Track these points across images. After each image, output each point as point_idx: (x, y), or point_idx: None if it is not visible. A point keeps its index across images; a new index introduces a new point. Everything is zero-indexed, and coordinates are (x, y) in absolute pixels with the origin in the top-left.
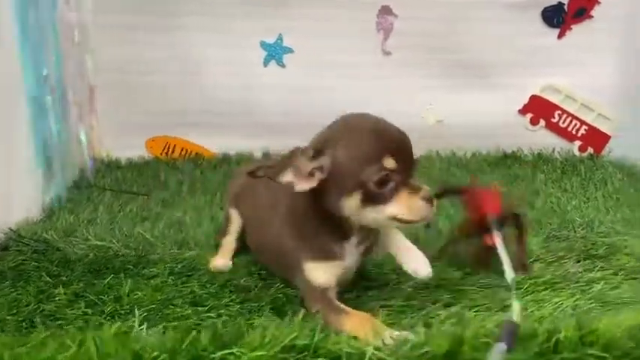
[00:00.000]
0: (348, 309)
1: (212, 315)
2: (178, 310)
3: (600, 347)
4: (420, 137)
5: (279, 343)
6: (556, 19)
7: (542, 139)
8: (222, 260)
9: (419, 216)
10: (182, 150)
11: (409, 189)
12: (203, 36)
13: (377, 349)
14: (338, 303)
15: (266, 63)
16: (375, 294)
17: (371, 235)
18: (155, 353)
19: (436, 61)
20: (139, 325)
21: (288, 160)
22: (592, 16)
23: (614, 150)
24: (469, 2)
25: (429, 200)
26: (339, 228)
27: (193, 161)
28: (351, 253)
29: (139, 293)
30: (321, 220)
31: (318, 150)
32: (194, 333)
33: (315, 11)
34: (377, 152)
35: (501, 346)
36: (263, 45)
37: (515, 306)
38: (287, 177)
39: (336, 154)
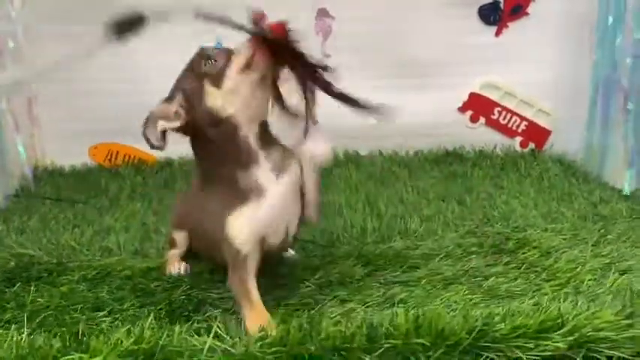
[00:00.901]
0: (255, 297)
1: (106, 320)
2: (75, 315)
3: (431, 336)
4: (363, 137)
5: (121, 346)
6: (492, 16)
7: (483, 136)
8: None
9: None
10: (125, 156)
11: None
12: (142, 42)
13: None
14: (251, 285)
15: None
16: (280, 293)
17: (286, 163)
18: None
19: (375, 61)
20: (33, 332)
21: (151, 116)
22: (528, 13)
23: (555, 145)
24: (406, 2)
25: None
26: (241, 156)
27: (136, 167)
28: (272, 184)
29: (42, 300)
30: (223, 165)
31: (170, 95)
32: (44, 338)
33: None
34: (199, 57)
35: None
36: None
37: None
38: (160, 126)
39: (180, 85)
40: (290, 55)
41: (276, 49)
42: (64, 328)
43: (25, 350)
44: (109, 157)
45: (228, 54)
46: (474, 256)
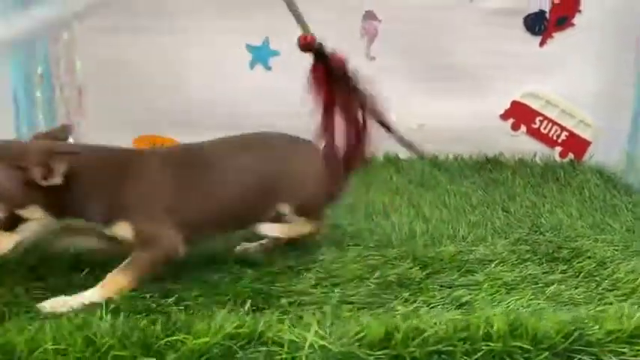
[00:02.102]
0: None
1: (174, 307)
2: (147, 302)
3: (528, 340)
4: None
5: (223, 330)
6: (538, 26)
7: (523, 145)
8: None
9: None
10: None
11: None
12: (191, 38)
13: (321, 336)
14: None
15: (252, 66)
16: (341, 292)
17: None
18: (106, 339)
19: (420, 65)
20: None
21: None
22: (574, 24)
23: (594, 156)
24: (453, 7)
25: None
26: None
27: None
28: None
29: None
30: None
31: None
32: (145, 321)
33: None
34: None
35: None
36: (249, 48)
37: None
38: None
39: None
40: (346, 84)
41: (335, 75)
42: (138, 315)
43: (126, 331)
44: None
45: None
46: (528, 263)
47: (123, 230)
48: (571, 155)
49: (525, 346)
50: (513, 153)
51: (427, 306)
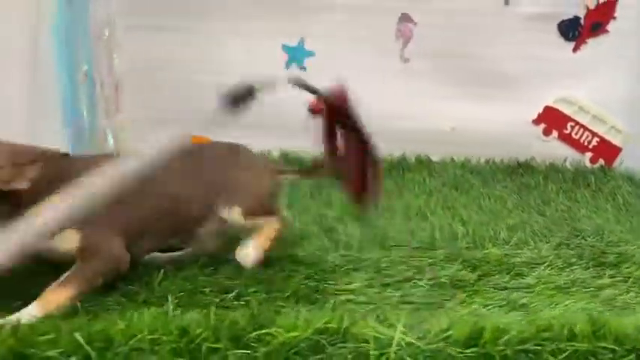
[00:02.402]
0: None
1: (235, 303)
2: (207, 297)
3: (612, 341)
4: (436, 143)
5: (312, 325)
6: (572, 32)
7: (554, 150)
8: None
9: None
10: None
11: None
12: (226, 37)
13: (405, 333)
14: None
15: (287, 65)
16: (395, 292)
17: None
18: (199, 330)
19: (453, 68)
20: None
21: None
22: (608, 31)
23: (624, 162)
24: (488, 12)
25: None
26: None
27: None
28: None
29: (166, 283)
30: None
31: None
32: (233, 314)
33: (337, 16)
34: None
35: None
36: (285, 48)
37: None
38: None
39: None
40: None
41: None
42: (205, 310)
43: (217, 324)
44: None
45: None
46: (575, 267)
47: (68, 240)
48: (601, 161)
49: (610, 346)
50: (544, 158)
51: (484, 307)
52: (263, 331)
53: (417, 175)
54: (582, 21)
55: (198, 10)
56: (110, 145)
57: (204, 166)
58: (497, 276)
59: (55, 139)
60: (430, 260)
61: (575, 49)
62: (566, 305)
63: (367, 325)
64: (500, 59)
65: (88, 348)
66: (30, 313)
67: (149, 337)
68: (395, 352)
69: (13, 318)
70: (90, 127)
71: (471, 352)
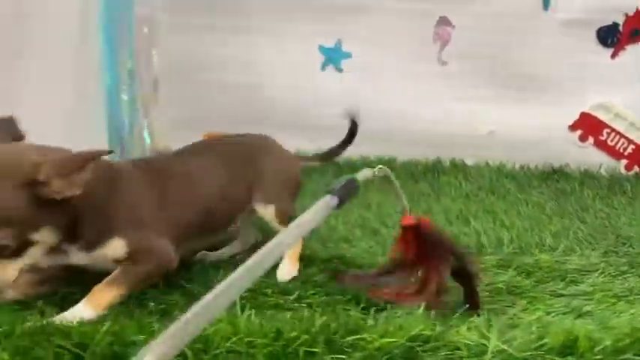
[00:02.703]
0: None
1: (295, 304)
2: (268, 298)
3: None
4: (471, 146)
5: (408, 332)
6: (610, 39)
7: (589, 156)
8: None
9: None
10: None
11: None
12: (265, 38)
13: (499, 341)
14: None
15: (324, 67)
16: (453, 297)
17: None
18: (294, 333)
19: (490, 72)
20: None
21: None
22: None
23: None
24: (526, 16)
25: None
26: None
27: None
28: None
29: None
30: None
31: None
32: (323, 318)
33: (375, 18)
34: None
35: (333, 199)
36: (321, 49)
37: (367, 172)
38: None
39: None
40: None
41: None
42: (267, 311)
43: (310, 328)
44: None
45: None
46: (628, 275)
47: (115, 249)
48: (636, 168)
49: None
50: (579, 164)
51: (547, 315)
52: (357, 336)
53: (452, 178)
54: (621, 27)
55: (235, 9)
56: (146, 143)
57: (242, 161)
58: (551, 283)
59: (96, 136)
60: (481, 265)
61: (613, 56)
62: (632, 314)
63: (459, 332)
64: (537, 64)
65: (185, 349)
66: (82, 313)
67: (246, 339)
68: None
69: (67, 315)
70: (131, 125)
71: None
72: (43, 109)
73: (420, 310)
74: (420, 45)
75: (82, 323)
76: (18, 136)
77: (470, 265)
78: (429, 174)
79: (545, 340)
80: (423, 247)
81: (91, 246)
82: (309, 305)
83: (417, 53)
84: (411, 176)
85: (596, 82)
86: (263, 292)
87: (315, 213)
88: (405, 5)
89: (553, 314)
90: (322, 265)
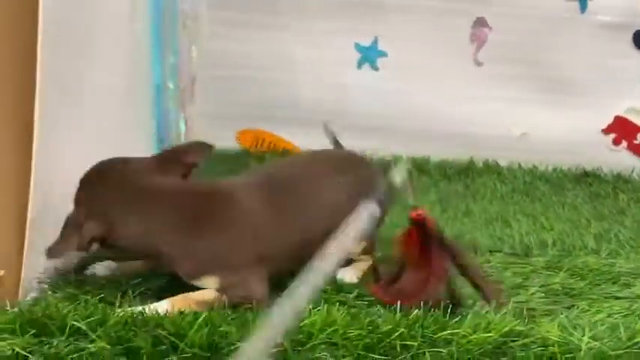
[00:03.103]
0: None
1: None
2: None
3: None
4: (504, 148)
5: (501, 328)
6: None
7: (621, 160)
8: None
9: None
10: (270, 144)
11: None
12: (300, 35)
13: (592, 338)
14: None
15: (360, 65)
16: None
17: None
18: (388, 326)
19: (525, 75)
20: None
21: None
22: None
23: None
24: (562, 19)
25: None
26: None
27: (281, 156)
28: None
29: None
30: None
31: None
32: (417, 312)
33: (412, 17)
34: None
35: (372, 207)
36: (358, 47)
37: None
38: None
39: None
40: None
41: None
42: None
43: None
44: (255, 143)
45: None
46: None
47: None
48: None
49: None
50: (611, 167)
51: (609, 317)
52: (450, 331)
53: (486, 179)
54: None
55: (272, 7)
56: (182, 138)
57: (335, 182)
58: (603, 285)
59: (144, 130)
60: (531, 267)
61: None
62: None
63: (550, 328)
64: (572, 66)
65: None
66: (163, 308)
67: (342, 330)
68: (582, 358)
69: (147, 309)
70: (175, 121)
71: None
72: (99, 105)
73: (505, 310)
74: (456, 45)
75: (173, 315)
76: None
77: (468, 260)
78: (463, 174)
79: (638, 339)
80: (427, 245)
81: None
82: (370, 303)
83: (452, 53)
84: (445, 176)
85: (631, 85)
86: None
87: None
88: (443, 5)
89: (615, 316)
90: None
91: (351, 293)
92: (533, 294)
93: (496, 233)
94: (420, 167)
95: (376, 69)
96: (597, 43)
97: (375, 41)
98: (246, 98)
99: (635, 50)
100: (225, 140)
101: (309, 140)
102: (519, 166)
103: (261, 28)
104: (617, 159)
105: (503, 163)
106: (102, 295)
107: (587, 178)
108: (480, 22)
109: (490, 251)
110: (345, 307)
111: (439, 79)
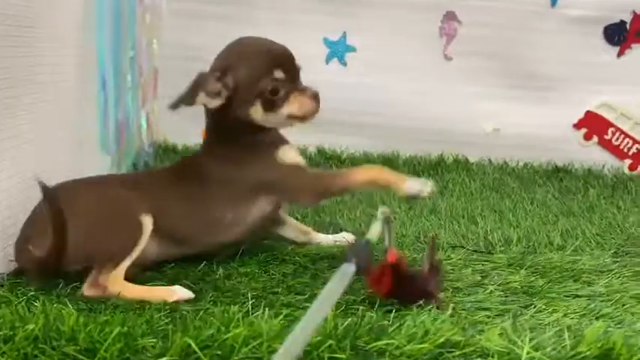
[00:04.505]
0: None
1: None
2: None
3: None
4: (474, 144)
5: (436, 337)
6: (617, 37)
7: (592, 155)
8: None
9: (308, 111)
10: None
11: (298, 92)
12: (267, 29)
13: (534, 347)
14: None
15: (328, 60)
16: (468, 297)
17: None
18: (318, 338)
19: (496, 69)
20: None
21: (197, 84)
22: None
23: None
24: (533, 13)
25: (314, 97)
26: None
27: None
28: None
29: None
30: (248, 132)
31: (222, 71)
32: (348, 320)
33: (380, 12)
34: (268, 67)
35: (350, 266)
36: (326, 42)
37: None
38: (201, 99)
39: (236, 73)
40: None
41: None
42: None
43: (332, 331)
44: None
45: (289, 91)
46: None
47: None
48: None
49: None
50: (582, 163)
51: (564, 316)
52: (384, 341)
53: (456, 175)
54: (628, 26)
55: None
56: (143, 134)
57: None
58: (564, 283)
59: (95, 126)
60: (492, 264)
61: (619, 54)
62: None
63: (489, 338)
64: (543, 61)
65: (200, 354)
66: None
67: (267, 344)
68: None
69: None
70: (131, 116)
71: None
72: (48, 97)
73: (447, 315)
74: (426, 40)
75: (92, 327)
76: None
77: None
78: (432, 170)
79: (581, 349)
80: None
81: None
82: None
83: (422, 48)
84: (414, 172)
85: (602, 80)
86: (273, 291)
87: (336, 282)
88: None
89: (572, 316)
90: (330, 262)
91: (301, 294)
92: (491, 292)
93: (461, 230)
94: (389, 163)
95: (344, 64)
96: (568, 37)
97: (344, 36)
98: None
99: (606, 45)
100: (191, 136)
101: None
102: (490, 161)
103: (226, 21)
104: (589, 154)
105: (473, 159)
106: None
107: (558, 173)
108: (450, 16)
109: (452, 247)
110: (288, 309)
111: (409, 74)
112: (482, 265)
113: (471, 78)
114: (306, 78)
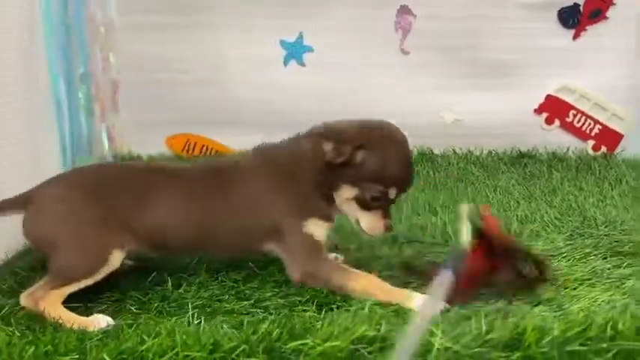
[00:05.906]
0: (350, 268)
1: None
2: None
3: None
4: (437, 135)
5: (350, 334)
6: (571, 19)
7: (556, 139)
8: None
9: (372, 233)
10: (203, 147)
11: (383, 213)
12: (224, 34)
13: (446, 338)
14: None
15: (286, 62)
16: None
17: None
18: (232, 344)
19: (454, 60)
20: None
21: (340, 141)
22: (607, 18)
23: (626, 149)
24: (486, 2)
25: (388, 227)
26: (327, 198)
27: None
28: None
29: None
30: (317, 188)
31: (360, 145)
32: (266, 324)
33: (335, 10)
34: (391, 181)
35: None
36: (283, 44)
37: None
38: (338, 158)
39: (368, 157)
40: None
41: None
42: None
43: (249, 335)
44: (186, 148)
45: (380, 206)
46: (592, 257)
47: None
48: (603, 148)
49: None
50: (546, 147)
51: (509, 304)
52: (299, 342)
53: (420, 168)
54: (582, 8)
55: (195, 6)
56: (105, 147)
57: None
58: None
59: (51, 142)
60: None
61: (575, 37)
62: (592, 298)
63: (405, 331)
64: (500, 49)
65: None
66: None
67: (183, 353)
68: (435, 358)
69: None
70: (88, 130)
71: (515, 357)
72: None
73: (366, 309)
74: (382, 35)
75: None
76: None
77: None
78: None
79: (491, 336)
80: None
81: None
82: (266, 309)
83: (379, 43)
84: None
85: (560, 64)
86: (219, 299)
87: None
88: None
89: (514, 302)
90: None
91: (248, 300)
92: None
93: (420, 222)
94: None
95: (303, 65)
96: (523, 23)
97: (301, 37)
98: (175, 102)
99: (561, 28)
100: (155, 147)
101: (240, 140)
102: (454, 152)
103: (184, 29)
104: (552, 138)
105: (437, 150)
106: None
107: (522, 159)
108: (404, 10)
109: (409, 242)
110: (230, 317)
111: (367, 70)
112: (436, 256)
113: (430, 70)
114: (265, 81)
